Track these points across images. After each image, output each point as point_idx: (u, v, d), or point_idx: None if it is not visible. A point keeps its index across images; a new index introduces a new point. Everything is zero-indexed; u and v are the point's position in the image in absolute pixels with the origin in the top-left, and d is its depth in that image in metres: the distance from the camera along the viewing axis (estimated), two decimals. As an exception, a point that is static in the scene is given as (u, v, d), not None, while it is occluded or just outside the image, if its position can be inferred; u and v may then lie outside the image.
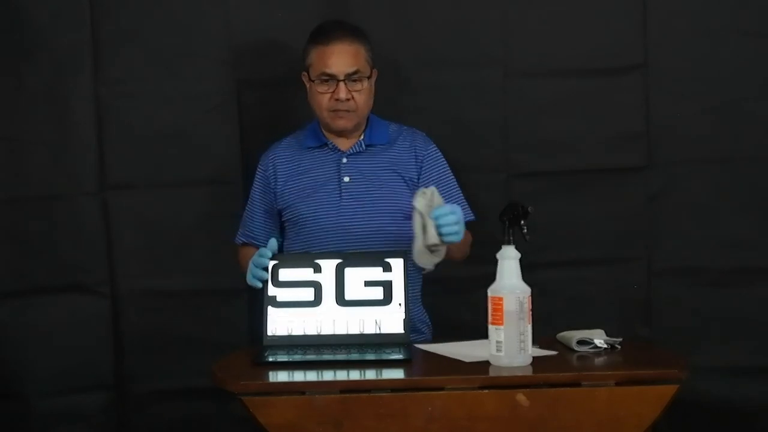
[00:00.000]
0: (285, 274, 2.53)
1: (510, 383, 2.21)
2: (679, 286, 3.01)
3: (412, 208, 2.45)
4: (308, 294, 2.52)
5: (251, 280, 2.54)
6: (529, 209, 2.36)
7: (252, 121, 3.00)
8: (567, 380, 2.23)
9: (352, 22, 2.78)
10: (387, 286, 2.52)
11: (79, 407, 2.99)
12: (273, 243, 2.55)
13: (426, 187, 2.50)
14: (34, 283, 2.98)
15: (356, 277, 2.52)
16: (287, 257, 2.64)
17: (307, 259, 2.56)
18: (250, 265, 2.54)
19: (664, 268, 3.01)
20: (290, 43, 2.97)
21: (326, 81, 2.66)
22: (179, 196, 3.00)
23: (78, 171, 2.97)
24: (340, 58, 2.65)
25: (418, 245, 2.46)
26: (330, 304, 2.51)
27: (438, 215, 2.44)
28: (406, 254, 2.51)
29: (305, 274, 2.53)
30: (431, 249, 2.47)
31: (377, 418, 2.18)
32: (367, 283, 2.52)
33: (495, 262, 2.32)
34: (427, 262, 2.49)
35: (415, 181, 2.73)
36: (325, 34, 2.68)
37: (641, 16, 2.98)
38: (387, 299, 2.51)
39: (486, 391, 2.20)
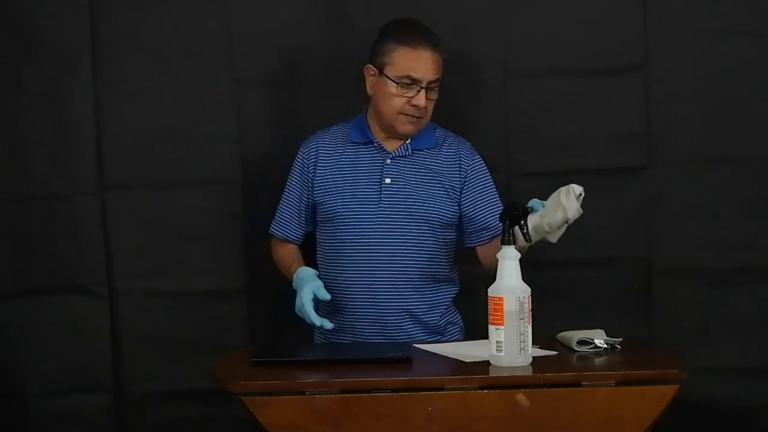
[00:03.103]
0: None
1: (510, 383, 2.21)
2: (679, 286, 3.00)
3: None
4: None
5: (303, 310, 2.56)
6: (529, 209, 2.36)
7: (252, 121, 2.99)
8: (567, 380, 2.23)
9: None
10: None
11: (78, 408, 2.98)
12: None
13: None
14: (32, 283, 2.98)
15: None
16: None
17: None
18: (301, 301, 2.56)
19: (664, 268, 3.01)
20: (290, 43, 2.97)
21: (408, 85, 2.63)
22: (178, 196, 2.99)
23: (77, 170, 2.97)
24: (427, 64, 2.63)
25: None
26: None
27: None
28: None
29: None
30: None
31: (377, 418, 2.18)
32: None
33: (495, 262, 2.32)
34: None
35: (457, 191, 2.71)
36: (412, 36, 2.64)
37: (641, 16, 2.98)
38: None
39: (486, 391, 2.20)
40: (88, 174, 2.97)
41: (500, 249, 2.30)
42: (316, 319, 2.53)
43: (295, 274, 2.63)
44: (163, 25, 2.96)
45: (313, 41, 2.98)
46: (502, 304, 2.25)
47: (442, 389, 2.20)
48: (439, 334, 2.71)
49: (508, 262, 2.29)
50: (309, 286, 2.56)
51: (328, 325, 2.53)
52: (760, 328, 2.99)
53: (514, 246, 2.31)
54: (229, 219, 2.99)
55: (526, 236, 2.35)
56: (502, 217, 2.37)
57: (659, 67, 2.98)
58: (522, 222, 2.34)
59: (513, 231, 2.33)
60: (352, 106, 2.95)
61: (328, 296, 2.55)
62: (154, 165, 2.98)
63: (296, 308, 2.58)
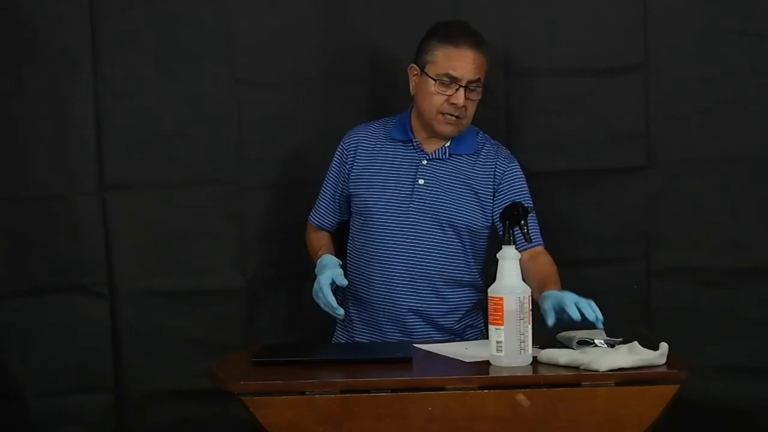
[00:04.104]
0: None
1: (510, 383, 2.21)
2: (679, 286, 3.00)
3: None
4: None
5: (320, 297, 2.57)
6: (529, 209, 2.36)
7: (252, 121, 2.99)
8: (567, 380, 2.23)
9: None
10: None
11: (78, 408, 2.99)
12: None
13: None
14: (33, 283, 2.98)
15: None
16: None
17: None
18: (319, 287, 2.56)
19: (664, 268, 3.01)
20: (290, 43, 2.97)
21: (447, 83, 2.62)
22: (178, 196, 3.00)
23: (77, 171, 2.97)
24: (468, 63, 2.61)
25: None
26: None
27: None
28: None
29: None
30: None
31: (377, 418, 2.18)
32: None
33: (495, 262, 2.32)
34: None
35: (490, 199, 2.69)
36: (456, 35, 2.63)
37: (641, 16, 2.98)
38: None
39: (486, 391, 2.20)
40: (88, 174, 2.97)
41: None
42: (333, 302, 2.53)
43: (318, 260, 2.64)
44: (163, 25, 2.96)
45: (313, 41, 2.98)
46: (502, 304, 2.25)
47: (442, 389, 2.20)
48: (458, 337, 2.70)
49: (508, 262, 2.29)
50: (329, 272, 2.57)
51: (340, 312, 2.54)
52: (760, 328, 2.99)
53: (513, 246, 2.31)
54: (229, 219, 2.99)
55: (526, 236, 2.35)
56: (502, 217, 2.37)
57: (659, 67, 2.98)
58: (522, 222, 2.34)
59: (513, 231, 2.33)
60: (352, 106, 2.97)
61: (345, 282, 2.56)
62: (154, 165, 2.98)
63: (313, 292, 2.58)
